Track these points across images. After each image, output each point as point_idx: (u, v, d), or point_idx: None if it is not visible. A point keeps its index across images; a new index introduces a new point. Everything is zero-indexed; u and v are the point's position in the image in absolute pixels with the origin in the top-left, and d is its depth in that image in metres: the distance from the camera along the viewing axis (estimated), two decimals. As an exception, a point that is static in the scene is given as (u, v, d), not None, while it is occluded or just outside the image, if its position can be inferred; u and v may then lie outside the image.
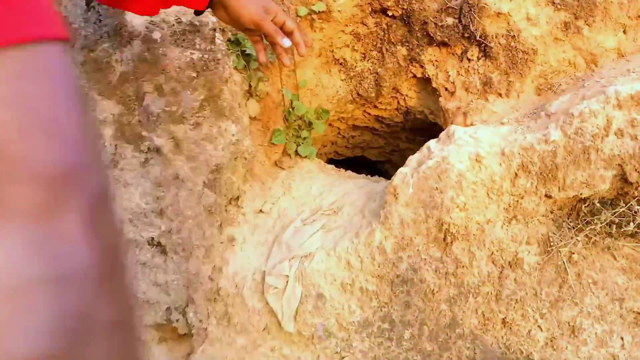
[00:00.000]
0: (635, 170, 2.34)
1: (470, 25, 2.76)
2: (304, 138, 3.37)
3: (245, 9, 1.61)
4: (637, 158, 2.30)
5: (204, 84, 2.58)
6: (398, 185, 2.61)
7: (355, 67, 3.37)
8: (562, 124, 2.35)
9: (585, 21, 2.58)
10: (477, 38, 2.77)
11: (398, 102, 3.58)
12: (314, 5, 2.95)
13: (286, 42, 1.80)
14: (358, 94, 3.48)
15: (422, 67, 3.19)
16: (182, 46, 2.71)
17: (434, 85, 3.16)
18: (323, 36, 3.14)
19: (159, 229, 2.91)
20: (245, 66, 2.94)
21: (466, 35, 2.85)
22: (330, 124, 4.04)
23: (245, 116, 2.94)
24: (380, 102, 3.59)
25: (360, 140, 4.45)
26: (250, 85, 3.00)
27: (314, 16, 3.00)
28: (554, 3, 2.64)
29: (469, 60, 2.91)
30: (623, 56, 2.58)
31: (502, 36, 2.73)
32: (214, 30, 2.75)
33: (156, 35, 2.67)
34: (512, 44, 2.71)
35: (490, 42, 2.76)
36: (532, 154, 2.39)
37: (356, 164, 4.96)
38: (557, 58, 2.68)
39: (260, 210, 3.15)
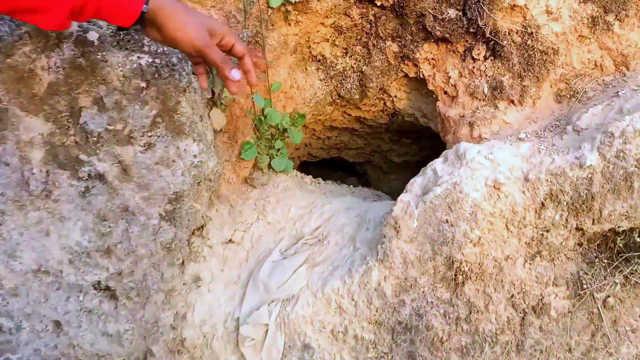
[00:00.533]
0: (685, 199, 1.97)
1: (478, 19, 2.31)
2: (278, 149, 2.88)
3: (184, 32, 1.31)
4: (689, 185, 1.93)
5: (157, 96, 2.07)
6: (399, 217, 2.17)
7: (336, 64, 2.89)
8: (599, 144, 1.95)
9: (617, 16, 2.18)
10: (486, 34, 2.32)
11: (385, 103, 3.13)
12: (289, -6, 2.44)
13: (235, 75, 1.52)
14: (339, 95, 3.00)
15: (416, 65, 2.74)
16: (126, 49, 2.16)
17: (430, 87, 2.72)
18: (299, 30, 2.64)
19: (107, 270, 2.39)
20: (207, 70, 2.41)
21: (472, 30, 2.40)
22: (304, 125, 3.55)
23: (208, 131, 2.42)
24: (364, 104, 3.13)
25: (338, 141, 3.99)
26: (213, 92, 2.47)
27: (289, 7, 2.49)
28: (581, -6, 2.22)
29: (474, 59, 2.47)
30: (660, 57, 2.19)
31: (517, 33, 2.29)
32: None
33: (92, 36, 2.11)
34: (529, 42, 2.28)
35: (502, 40, 2.32)
36: (564, 181, 1.99)
37: (332, 164, 4.50)
38: (581, 59, 2.27)
39: (230, 240, 2.66)
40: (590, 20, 2.21)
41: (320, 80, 2.96)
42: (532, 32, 2.25)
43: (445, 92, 2.66)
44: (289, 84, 2.87)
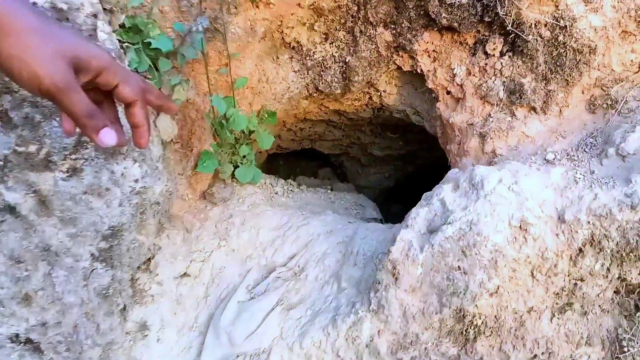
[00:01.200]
0: None
1: (498, 7, 1.84)
2: (244, 156, 2.38)
3: (26, 62, 0.74)
4: None
5: None
6: (399, 261, 1.73)
7: (313, 53, 2.37)
8: (657, 179, 1.54)
9: (676, 9, 1.73)
10: (507, 26, 1.85)
11: (370, 97, 2.65)
12: (257, -32, 1.90)
13: (107, 139, 0.83)
14: (317, 88, 2.50)
15: (412, 58, 2.25)
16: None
17: (429, 85, 2.25)
18: (270, 14, 2.11)
19: (26, 321, 1.89)
20: (151, 66, 1.87)
21: (487, 19, 1.93)
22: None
23: (155, 145, 1.91)
24: (347, 98, 2.64)
25: (311, 132, 3.50)
26: (160, 94, 1.93)
27: (258, -15, 1.96)
28: (632, -20, 1.77)
29: (487, 54, 2.00)
30: None
31: (546, 26, 1.83)
32: (95, 15, 1.65)
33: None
34: (560, 37, 1.82)
35: (526, 33, 1.85)
36: (610, 224, 1.58)
37: (304, 154, 4.01)
38: (622, 60, 1.84)
39: (185, 274, 2.18)
40: (638, 12, 1.76)
41: (294, 71, 2.45)
42: (565, 26, 1.79)
43: (449, 92, 2.20)
44: (256, 78, 2.35)
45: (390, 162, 3.94)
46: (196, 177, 2.31)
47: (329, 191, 2.96)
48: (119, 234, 1.86)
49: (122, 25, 1.86)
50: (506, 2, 1.81)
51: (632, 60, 1.84)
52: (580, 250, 1.63)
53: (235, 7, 2.01)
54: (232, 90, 2.20)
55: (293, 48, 2.39)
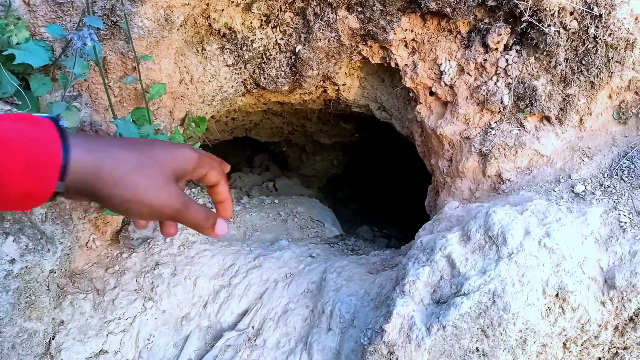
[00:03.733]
0: None
1: (511, -11, 1.38)
2: (169, 182, 1.81)
3: (145, 203, 0.78)
4: None
5: None
6: (397, 346, 1.31)
7: (251, 41, 1.84)
8: None
9: None
10: (523, 13, 1.40)
11: (325, 91, 2.15)
12: None
13: (222, 230, 0.89)
14: (257, 84, 1.97)
15: (385, 49, 1.77)
16: None
17: (407, 83, 1.78)
18: (192, -4, 1.53)
19: None
20: (18, 89, 1.27)
21: (490, 2, 1.47)
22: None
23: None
24: (295, 93, 2.12)
25: (246, 121, 2.95)
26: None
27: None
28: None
29: (486, 47, 1.56)
30: None
31: (573, 14, 1.40)
32: None
33: None
34: (592, 29, 1.40)
35: (546, 24, 1.42)
36: (672, 288, 1.22)
37: (237, 140, 3.45)
38: (665, 58, 1.45)
39: (101, 351, 1.66)
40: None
41: (227, 66, 1.90)
42: (599, 15, 1.37)
43: (433, 93, 1.74)
44: (177, 79, 1.78)
45: (338, 149, 3.49)
46: (104, 218, 1.75)
47: (276, 202, 2.48)
48: (-5, 333, 1.30)
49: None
50: (522, -17, 1.36)
51: (675, 57, 1.46)
52: (632, 319, 1.28)
53: (142, -9, 1.42)
54: (145, 102, 1.62)
55: (224, 36, 1.83)
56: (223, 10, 1.72)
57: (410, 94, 1.83)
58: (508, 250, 1.29)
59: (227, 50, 1.87)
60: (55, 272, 1.49)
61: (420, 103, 1.79)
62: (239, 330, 1.72)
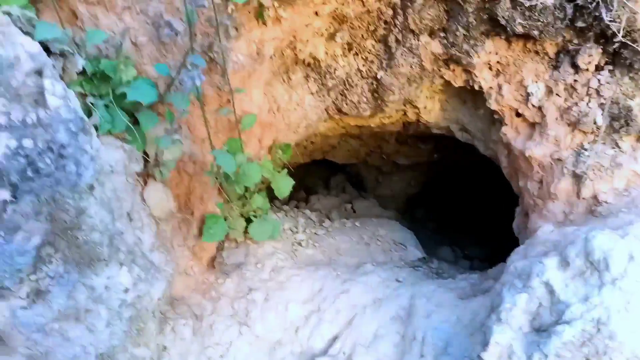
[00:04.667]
0: None
1: (602, 10, 1.37)
2: (257, 208, 1.94)
3: None
4: None
5: (36, 210, 1.03)
6: (497, 374, 1.30)
7: (334, 69, 1.91)
8: None
9: None
10: (615, 34, 1.39)
11: (405, 114, 2.19)
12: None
13: None
14: (339, 110, 2.04)
15: (467, 72, 1.79)
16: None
17: (492, 106, 1.79)
18: (281, 31, 1.64)
19: None
20: (129, 125, 1.39)
21: (579, 24, 1.47)
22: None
23: (146, 233, 1.45)
24: (376, 117, 2.17)
25: (324, 144, 3.03)
26: (146, 158, 1.48)
27: (266, 0, 1.47)
28: None
29: (576, 68, 1.55)
30: None
31: (673, 31, 1.37)
32: (39, 73, 1.16)
33: None
34: (692, 46, 1.36)
35: (641, 43, 1.40)
36: None
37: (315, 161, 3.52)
38: None
39: (200, 374, 1.74)
40: None
41: (311, 93, 1.99)
42: (702, 31, 1.33)
43: (519, 115, 1.74)
44: (265, 109, 1.88)
45: (416, 169, 3.50)
46: (201, 245, 1.86)
47: (357, 225, 2.52)
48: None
49: (82, 72, 1.37)
50: (615, 3, 1.35)
51: None
52: None
53: (236, 29, 1.53)
54: (238, 133, 1.73)
55: (308, 65, 1.92)
56: (308, 40, 1.81)
57: (495, 116, 1.83)
58: (611, 276, 1.27)
59: (311, 78, 1.95)
60: (160, 299, 1.60)
61: (506, 125, 1.79)
62: (331, 356, 1.76)
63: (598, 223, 1.49)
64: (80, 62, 1.35)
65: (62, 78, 1.32)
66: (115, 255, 1.32)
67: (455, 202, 4.25)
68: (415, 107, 2.09)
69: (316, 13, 1.71)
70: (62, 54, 1.32)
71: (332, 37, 1.85)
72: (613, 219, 1.48)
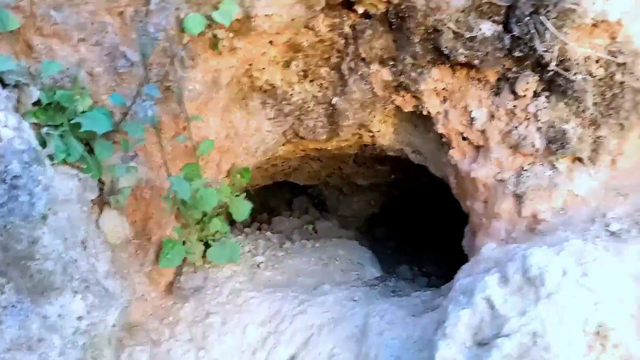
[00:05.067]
0: None
1: (536, 41, 1.48)
2: (216, 232, 1.98)
3: None
4: None
5: None
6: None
7: (291, 95, 1.98)
8: None
9: None
10: (549, 63, 1.50)
11: (361, 138, 2.26)
12: (217, 10, 1.46)
13: None
14: (297, 134, 2.11)
15: (417, 98, 1.88)
16: None
17: (439, 130, 1.89)
18: (237, 60, 1.70)
19: None
20: (84, 154, 1.43)
21: (517, 53, 1.57)
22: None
23: (100, 260, 1.47)
24: (332, 141, 2.25)
25: (285, 167, 3.09)
26: (101, 187, 1.51)
27: (220, 32, 1.53)
28: None
29: (515, 95, 1.65)
30: None
31: (599, 62, 1.48)
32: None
33: None
34: (617, 75, 1.48)
35: (572, 72, 1.51)
36: None
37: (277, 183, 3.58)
38: (694, 97, 1.51)
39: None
40: None
41: (269, 119, 2.04)
42: (624, 63, 1.45)
43: (465, 138, 1.84)
44: (223, 135, 1.93)
45: (375, 190, 3.59)
46: (158, 270, 1.88)
47: (317, 246, 2.58)
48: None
49: (37, 103, 1.41)
50: (547, 35, 1.46)
51: None
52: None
53: (192, 59, 1.58)
54: (195, 159, 1.77)
55: (265, 92, 1.99)
56: (264, 68, 1.88)
57: (443, 139, 1.93)
58: (547, 290, 1.35)
59: (269, 104, 2.02)
60: (116, 326, 1.62)
61: (453, 148, 1.89)
62: (288, 376, 1.80)
63: (537, 240, 1.59)
64: (35, 93, 1.38)
65: (16, 109, 1.36)
66: (68, 284, 1.34)
67: (415, 221, 4.35)
68: (370, 131, 2.18)
69: (271, 42, 1.78)
70: (17, 86, 1.36)
71: (287, 65, 1.92)
72: (551, 236, 1.58)
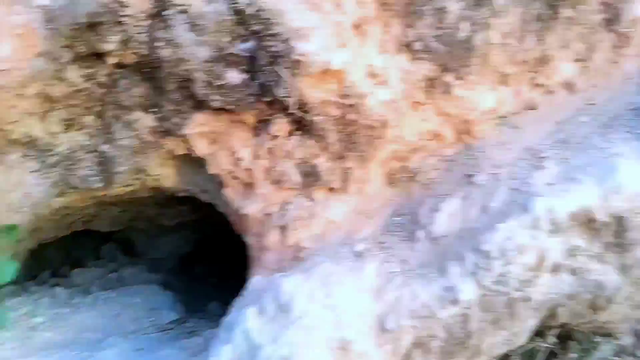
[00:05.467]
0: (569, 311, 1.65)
1: (276, 89, 1.62)
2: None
3: None
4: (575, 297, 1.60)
5: None
6: None
7: (55, 145, 1.92)
8: (472, 269, 1.48)
9: (457, 75, 1.72)
10: (289, 107, 1.65)
11: (144, 182, 2.25)
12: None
13: None
14: (71, 186, 2.04)
15: (186, 142, 1.93)
16: None
17: (211, 170, 1.96)
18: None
19: None
20: None
21: (266, 99, 1.71)
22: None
23: None
24: (114, 186, 2.21)
25: (81, 215, 2.95)
26: None
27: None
28: (411, 50, 1.68)
29: (272, 136, 1.79)
30: (504, 117, 1.81)
31: (333, 105, 1.67)
32: None
33: None
34: (350, 115, 1.68)
35: (313, 113, 1.68)
36: (433, 324, 1.48)
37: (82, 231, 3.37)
38: (415, 130, 1.79)
39: None
40: (426, 82, 1.72)
41: (33, 172, 1.95)
42: (353, 104, 1.65)
43: (236, 177, 1.93)
44: (-25, 193, 1.80)
45: (184, 229, 3.57)
46: None
47: (112, 296, 2.49)
48: None
49: None
50: (285, 83, 1.60)
51: (426, 129, 1.79)
52: (407, 355, 1.50)
53: None
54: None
55: (25, 144, 1.89)
56: (17, 121, 1.79)
57: (218, 179, 2.00)
58: (295, 315, 1.47)
59: (30, 157, 1.92)
60: None
61: (227, 187, 1.97)
62: None
63: (299, 267, 1.71)
64: None
65: None
66: None
67: (237, 256, 4.39)
68: (150, 175, 2.18)
69: (20, 95, 1.71)
70: None
71: (46, 117, 1.86)
72: (310, 262, 1.71)
